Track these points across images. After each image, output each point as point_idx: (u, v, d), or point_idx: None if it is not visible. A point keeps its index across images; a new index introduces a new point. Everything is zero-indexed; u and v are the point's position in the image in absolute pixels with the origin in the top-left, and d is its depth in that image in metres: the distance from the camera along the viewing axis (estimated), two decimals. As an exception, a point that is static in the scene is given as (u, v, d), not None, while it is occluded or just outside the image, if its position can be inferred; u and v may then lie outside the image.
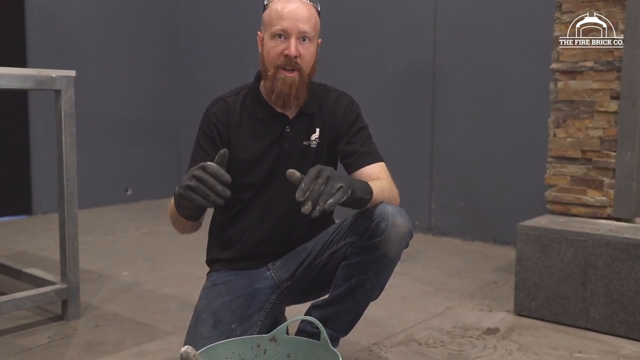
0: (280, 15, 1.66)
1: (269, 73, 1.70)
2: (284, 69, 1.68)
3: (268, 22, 1.69)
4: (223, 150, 1.46)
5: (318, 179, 1.37)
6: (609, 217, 2.55)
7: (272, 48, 1.68)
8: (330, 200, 1.36)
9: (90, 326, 2.36)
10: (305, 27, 1.67)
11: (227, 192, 1.41)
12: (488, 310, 2.59)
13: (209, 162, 1.43)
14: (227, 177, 1.41)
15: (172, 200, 1.65)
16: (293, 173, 1.40)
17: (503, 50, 3.69)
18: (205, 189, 1.40)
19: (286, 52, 1.66)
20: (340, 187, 1.39)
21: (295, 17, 1.65)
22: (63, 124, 2.30)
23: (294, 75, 1.68)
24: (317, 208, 1.35)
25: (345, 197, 1.40)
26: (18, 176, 4.51)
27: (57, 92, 2.29)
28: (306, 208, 1.35)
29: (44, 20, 4.51)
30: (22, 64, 4.37)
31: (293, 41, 1.66)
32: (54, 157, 2.41)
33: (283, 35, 1.66)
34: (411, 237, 1.65)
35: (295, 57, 1.66)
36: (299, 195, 1.35)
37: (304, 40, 1.68)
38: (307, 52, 1.69)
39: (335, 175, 1.40)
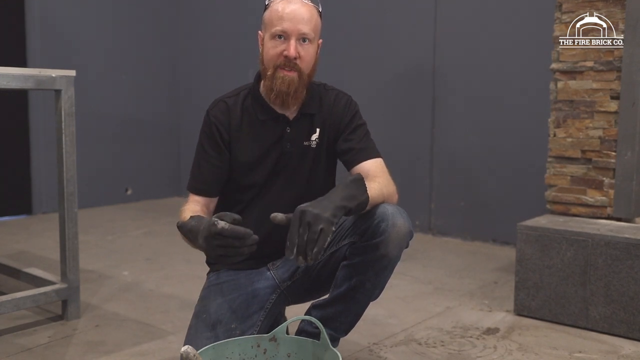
0: (280, 16, 1.66)
1: (268, 73, 1.70)
2: (283, 68, 1.68)
3: (268, 22, 1.70)
4: (238, 219, 1.43)
5: (300, 229, 1.37)
6: (608, 217, 2.55)
7: (271, 48, 1.68)
8: (315, 250, 1.37)
9: (91, 326, 2.36)
10: (305, 29, 1.67)
11: (255, 241, 1.39)
12: (488, 310, 2.59)
13: (220, 225, 1.36)
14: (249, 232, 1.38)
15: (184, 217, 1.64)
16: (275, 217, 1.42)
17: (503, 50, 3.69)
18: (234, 252, 1.39)
19: (285, 53, 1.66)
20: (321, 229, 1.37)
21: (295, 18, 1.65)
22: (63, 123, 2.30)
23: (293, 74, 1.68)
24: (308, 259, 1.37)
25: (329, 238, 1.39)
26: (18, 176, 4.51)
27: (57, 92, 2.29)
28: (300, 262, 1.38)
29: (44, 20, 4.51)
30: (22, 63, 4.38)
31: (293, 42, 1.66)
32: (54, 156, 2.41)
33: (283, 36, 1.67)
34: (411, 237, 1.65)
35: (295, 58, 1.67)
36: (287, 254, 1.38)
37: (303, 41, 1.68)
38: (306, 53, 1.69)
39: (316, 217, 1.37)
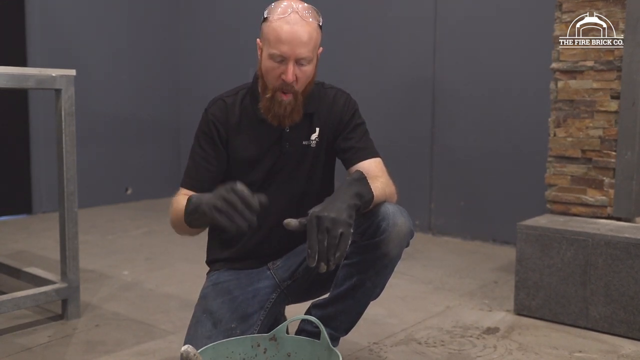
0: (279, 39, 1.61)
1: (267, 95, 1.69)
2: (281, 90, 1.67)
3: (266, 39, 1.65)
4: (264, 198, 1.43)
5: (318, 235, 1.38)
6: (609, 217, 2.55)
7: (270, 69, 1.66)
8: (337, 254, 1.38)
9: (91, 325, 2.36)
10: (303, 52, 1.63)
11: (254, 220, 1.38)
12: (488, 309, 2.59)
13: (239, 185, 1.39)
14: (256, 206, 1.38)
15: (177, 204, 1.64)
16: (288, 223, 1.43)
17: (503, 49, 3.69)
18: (232, 212, 1.37)
19: (283, 77, 1.64)
20: (341, 234, 1.38)
21: (293, 42, 1.61)
22: (63, 123, 2.30)
23: (290, 97, 1.67)
24: (330, 264, 1.38)
25: (349, 241, 1.40)
26: (18, 175, 4.51)
27: (57, 92, 2.29)
28: (322, 268, 1.38)
29: (44, 20, 4.50)
30: (22, 63, 4.37)
31: (290, 67, 1.63)
32: (54, 156, 2.41)
33: (281, 58, 1.64)
34: (412, 236, 1.65)
35: (292, 82, 1.65)
36: (309, 262, 1.38)
37: (302, 64, 1.66)
38: (304, 74, 1.67)
39: (334, 221, 1.38)
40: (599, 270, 2.32)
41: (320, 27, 1.70)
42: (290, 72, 1.63)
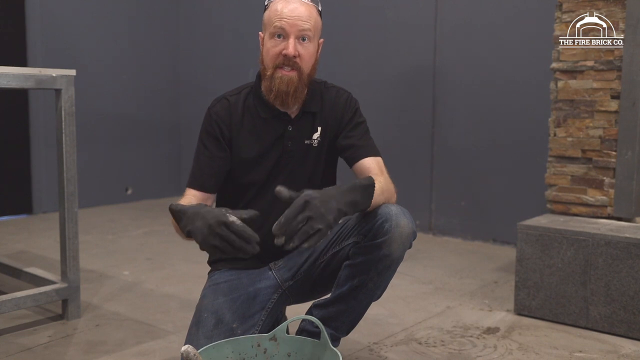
0: (279, 15, 1.67)
1: (268, 73, 1.70)
2: (283, 68, 1.68)
3: (268, 22, 1.70)
4: (254, 214, 1.43)
5: (298, 216, 1.36)
6: (609, 217, 2.55)
7: (271, 47, 1.69)
8: (305, 244, 1.36)
9: (91, 326, 2.36)
10: (305, 27, 1.67)
11: (257, 249, 1.38)
12: (488, 309, 2.59)
13: (232, 218, 1.37)
14: (255, 237, 1.38)
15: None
16: (280, 191, 1.41)
17: (503, 50, 3.69)
18: (232, 251, 1.37)
19: (285, 51, 1.66)
20: (319, 230, 1.36)
21: (294, 17, 1.66)
22: (63, 123, 2.30)
23: (293, 74, 1.68)
24: (291, 244, 1.36)
25: (321, 240, 1.39)
26: (18, 175, 4.51)
27: (58, 92, 2.29)
28: (279, 241, 1.36)
29: (44, 20, 4.50)
30: (23, 63, 4.37)
31: (292, 41, 1.66)
32: (54, 156, 2.41)
33: (282, 34, 1.67)
34: (414, 237, 1.65)
35: (294, 56, 1.67)
36: (275, 229, 1.36)
37: (303, 40, 1.68)
38: (306, 51, 1.69)
39: (318, 214, 1.36)
40: (599, 270, 2.32)
41: (320, 13, 1.74)
42: (292, 45, 1.66)
